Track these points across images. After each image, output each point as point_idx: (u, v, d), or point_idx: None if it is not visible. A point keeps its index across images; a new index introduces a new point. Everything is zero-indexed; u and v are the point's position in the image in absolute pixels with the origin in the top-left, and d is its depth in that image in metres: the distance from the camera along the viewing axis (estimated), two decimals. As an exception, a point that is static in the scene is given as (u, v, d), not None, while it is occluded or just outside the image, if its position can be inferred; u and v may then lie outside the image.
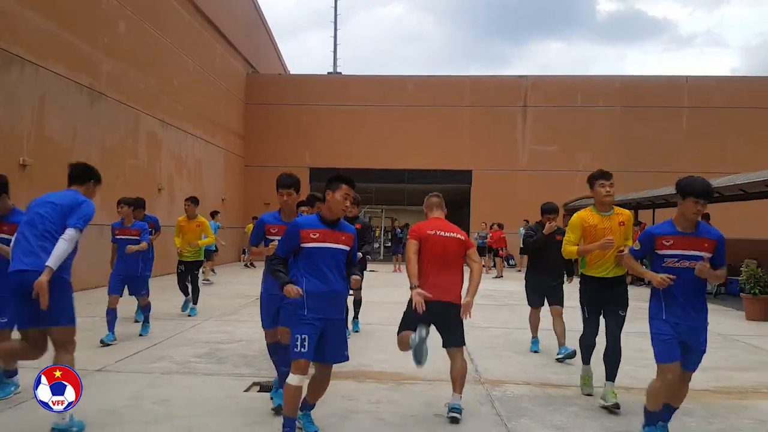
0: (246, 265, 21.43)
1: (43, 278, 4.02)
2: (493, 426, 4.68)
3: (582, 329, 5.57)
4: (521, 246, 21.87)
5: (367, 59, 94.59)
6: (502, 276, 19.61)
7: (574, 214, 5.51)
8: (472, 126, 25.37)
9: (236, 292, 13.11)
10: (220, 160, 22.63)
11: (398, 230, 23.82)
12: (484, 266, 21.10)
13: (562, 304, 7.17)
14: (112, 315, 7.40)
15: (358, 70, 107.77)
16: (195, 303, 10.05)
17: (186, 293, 10.10)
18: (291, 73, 34.30)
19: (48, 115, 12.15)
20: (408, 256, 4.82)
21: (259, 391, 5.51)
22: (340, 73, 34.73)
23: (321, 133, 25.33)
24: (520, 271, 22.33)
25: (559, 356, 6.86)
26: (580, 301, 5.47)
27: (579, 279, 5.54)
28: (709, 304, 5.51)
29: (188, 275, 9.94)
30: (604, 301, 5.34)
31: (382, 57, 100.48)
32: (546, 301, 7.31)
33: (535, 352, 7.42)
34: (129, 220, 7.89)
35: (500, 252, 20.45)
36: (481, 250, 21.19)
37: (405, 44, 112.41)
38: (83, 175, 4.78)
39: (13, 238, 4.50)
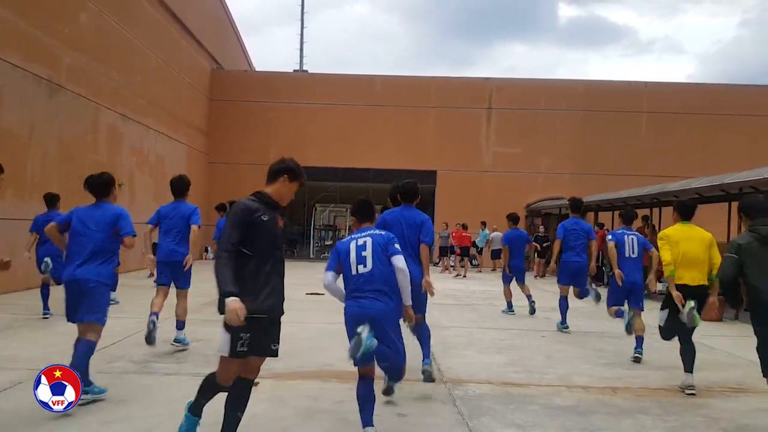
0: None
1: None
2: (455, 425, 4.71)
3: None
4: (477, 247, 22.18)
5: (333, 56, 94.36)
6: (465, 276, 19.75)
7: None
8: (438, 126, 25.51)
9: (198, 291, 12.90)
10: (183, 156, 22.27)
11: None
12: (445, 267, 21.29)
13: None
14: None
15: (324, 67, 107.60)
16: None
17: None
18: (256, 69, 33.98)
19: (4, 106, 11.79)
20: None
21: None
22: (306, 71, 34.57)
23: (286, 131, 25.13)
24: (480, 271, 22.55)
25: None
26: None
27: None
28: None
29: None
30: None
31: (347, 55, 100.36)
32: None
33: None
34: None
35: (456, 251, 20.60)
36: (443, 251, 21.34)
37: (371, 43, 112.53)
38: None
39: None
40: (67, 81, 13.88)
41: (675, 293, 5.81)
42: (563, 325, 9.19)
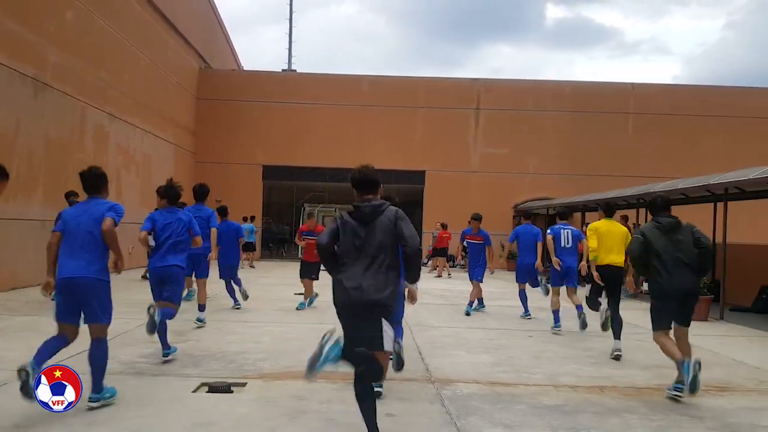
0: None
1: None
2: (443, 425, 4.72)
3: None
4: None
5: (320, 56, 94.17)
6: (450, 276, 19.74)
7: None
8: (426, 127, 25.54)
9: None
10: (170, 156, 22.15)
11: None
12: (434, 267, 21.29)
13: None
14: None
15: (311, 67, 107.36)
16: None
17: None
18: (244, 68, 33.85)
19: (-12, 105, 11.69)
20: None
21: (207, 392, 5.43)
22: (295, 70, 34.49)
23: (274, 131, 25.06)
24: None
25: None
26: None
27: None
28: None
29: None
30: None
31: (335, 55, 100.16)
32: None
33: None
34: None
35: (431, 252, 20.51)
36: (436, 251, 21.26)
37: (358, 43, 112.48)
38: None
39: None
40: (53, 79, 13.76)
41: (596, 274, 7.72)
42: (526, 313, 10.59)
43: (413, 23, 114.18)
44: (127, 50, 17.91)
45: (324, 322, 9.23)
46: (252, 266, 20.88)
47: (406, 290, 4.78)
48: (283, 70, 33.86)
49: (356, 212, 4.19)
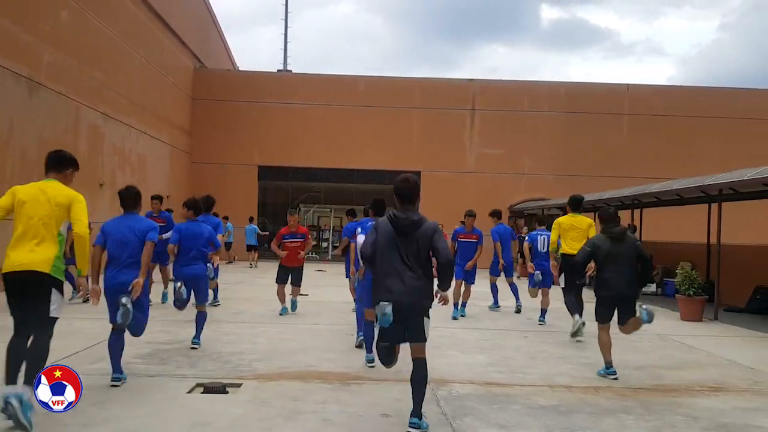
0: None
1: None
2: (438, 425, 4.72)
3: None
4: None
5: (316, 56, 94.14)
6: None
7: None
8: (422, 127, 25.54)
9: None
10: (166, 156, 22.09)
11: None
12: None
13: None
14: None
15: (307, 67, 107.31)
16: None
17: None
18: (240, 69, 33.80)
19: (-18, 105, 11.63)
20: None
21: (203, 393, 5.42)
22: (290, 70, 34.44)
23: (270, 131, 25.02)
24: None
25: None
26: None
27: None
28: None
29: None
30: None
31: (331, 55, 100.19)
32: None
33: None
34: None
35: None
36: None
37: (354, 43, 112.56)
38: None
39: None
40: (47, 79, 13.71)
41: (553, 263, 8.78)
42: (495, 305, 11.52)
43: (409, 23, 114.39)
44: (121, 50, 17.86)
45: (319, 323, 9.24)
46: (254, 266, 20.98)
47: (438, 294, 5.06)
48: (278, 70, 33.81)
49: (395, 222, 4.63)
